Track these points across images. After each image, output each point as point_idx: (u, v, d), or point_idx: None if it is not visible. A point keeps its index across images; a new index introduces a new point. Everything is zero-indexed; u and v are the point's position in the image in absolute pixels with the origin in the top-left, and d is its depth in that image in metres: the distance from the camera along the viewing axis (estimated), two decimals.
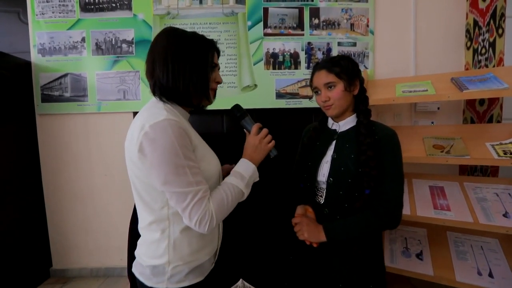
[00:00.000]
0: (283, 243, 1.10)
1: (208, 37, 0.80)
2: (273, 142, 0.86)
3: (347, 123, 0.96)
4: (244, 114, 0.90)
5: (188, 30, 0.78)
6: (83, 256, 2.16)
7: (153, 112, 0.70)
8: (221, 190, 0.74)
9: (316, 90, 0.96)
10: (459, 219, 1.40)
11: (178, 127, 0.67)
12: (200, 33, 0.79)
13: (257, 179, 0.83)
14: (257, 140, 0.83)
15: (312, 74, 0.98)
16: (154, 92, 0.76)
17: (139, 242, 0.81)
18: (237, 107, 0.91)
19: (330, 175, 0.93)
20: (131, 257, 1.30)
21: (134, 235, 1.41)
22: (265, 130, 0.86)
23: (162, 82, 0.73)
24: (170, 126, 0.66)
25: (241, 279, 1.40)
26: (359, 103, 0.96)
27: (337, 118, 0.98)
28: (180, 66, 0.72)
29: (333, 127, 0.99)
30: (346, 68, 0.91)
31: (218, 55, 0.83)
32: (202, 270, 0.79)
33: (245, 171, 0.79)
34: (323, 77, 0.92)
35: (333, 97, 0.91)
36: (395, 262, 1.55)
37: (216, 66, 0.81)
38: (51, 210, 2.13)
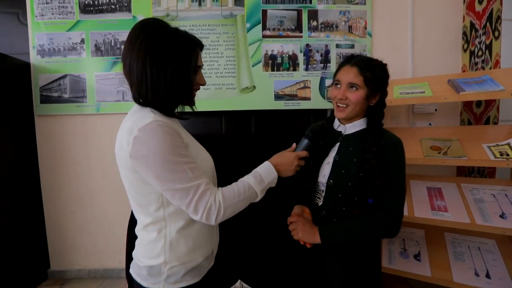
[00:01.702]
0: (281, 244, 1.10)
1: (192, 34, 0.75)
2: (293, 173, 0.86)
3: (353, 127, 0.93)
4: (313, 139, 0.90)
5: (187, 31, 0.75)
6: (81, 257, 2.16)
7: (140, 116, 0.68)
8: (235, 186, 0.74)
9: (337, 83, 0.91)
10: (456, 220, 1.40)
11: (167, 127, 0.67)
12: (199, 35, 0.77)
13: (273, 185, 0.82)
14: (295, 160, 0.84)
15: (342, 65, 0.92)
16: (134, 99, 0.73)
17: (136, 243, 0.81)
18: (318, 131, 0.93)
19: (330, 176, 0.91)
20: (129, 258, 1.30)
21: (132, 236, 1.41)
22: (302, 162, 0.87)
23: (141, 92, 0.70)
24: (159, 126, 0.65)
25: (239, 280, 1.40)
26: (374, 113, 0.91)
27: (345, 120, 0.94)
28: (159, 77, 0.69)
29: (339, 129, 0.96)
30: (377, 77, 0.87)
31: (202, 50, 0.78)
32: (199, 270, 0.79)
33: (266, 176, 0.78)
34: (351, 75, 0.87)
35: (351, 99, 0.87)
36: (393, 263, 1.55)
37: (200, 68, 0.77)
38: (49, 211, 2.13)
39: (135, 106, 0.75)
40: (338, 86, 0.90)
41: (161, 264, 0.73)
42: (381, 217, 0.84)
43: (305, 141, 0.90)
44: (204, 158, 0.80)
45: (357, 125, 0.93)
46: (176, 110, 0.79)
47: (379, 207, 0.85)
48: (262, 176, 0.78)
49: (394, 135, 0.91)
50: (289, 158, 0.84)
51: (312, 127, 0.94)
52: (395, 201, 0.85)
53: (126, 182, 0.75)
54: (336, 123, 0.98)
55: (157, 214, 0.73)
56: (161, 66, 0.69)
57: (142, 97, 0.71)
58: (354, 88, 0.87)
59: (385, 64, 0.92)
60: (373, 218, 0.85)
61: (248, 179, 0.76)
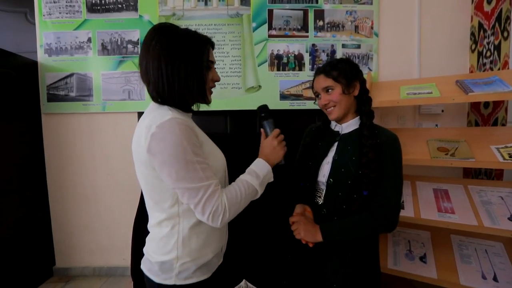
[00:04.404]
0: (282, 242, 1.11)
1: (202, 33, 0.78)
2: (286, 148, 0.87)
3: (349, 126, 0.98)
4: (269, 116, 0.91)
5: (197, 31, 0.77)
6: (86, 255, 2.17)
7: (158, 113, 0.71)
8: (235, 185, 0.76)
9: (317, 94, 1.01)
10: (463, 222, 1.39)
11: (185, 125, 0.68)
12: (205, 34, 0.79)
13: (272, 179, 0.84)
14: (276, 142, 0.85)
15: (313, 79, 1.01)
16: (152, 97, 0.76)
17: (147, 238, 0.82)
18: (265, 107, 0.93)
19: (330, 175, 0.94)
20: (135, 256, 1.30)
21: (138, 234, 1.42)
22: (282, 136, 0.88)
23: (158, 90, 0.73)
24: (177, 124, 0.67)
25: (244, 280, 1.40)
26: (362, 105, 0.97)
27: (340, 120, 0.99)
28: (174, 73, 0.71)
29: (336, 129, 1.01)
30: (344, 71, 0.93)
31: (213, 48, 0.81)
32: (209, 267, 0.80)
33: (260, 170, 0.81)
34: (322, 81, 0.95)
35: (332, 100, 0.94)
36: (398, 265, 1.54)
37: (212, 64, 0.80)
38: (55, 209, 2.15)
39: (153, 104, 0.77)
40: (319, 96, 0.98)
41: (173, 260, 0.75)
42: (379, 212, 0.88)
43: (267, 122, 0.91)
44: (217, 157, 0.81)
45: (353, 124, 0.98)
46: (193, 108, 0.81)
47: (377, 202, 0.88)
48: (256, 171, 0.80)
49: (390, 132, 0.95)
50: (269, 144, 0.86)
51: (259, 107, 0.94)
52: (392, 196, 0.89)
53: (142, 178, 0.76)
54: (333, 124, 1.04)
55: (171, 211, 0.75)
56: (175, 63, 0.71)
57: (159, 95, 0.74)
58: (330, 90, 0.94)
59: (347, 58, 1.03)
60: (372, 213, 0.88)
61: (244, 177, 0.79)
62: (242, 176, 0.79)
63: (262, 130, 0.91)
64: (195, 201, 0.68)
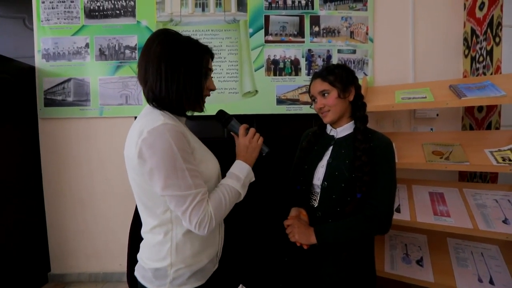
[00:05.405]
0: (278, 245, 1.11)
1: (203, 43, 0.79)
2: (261, 139, 0.87)
3: (344, 130, 1.00)
4: (230, 118, 0.91)
5: (191, 37, 0.78)
6: (81, 261, 2.15)
7: (151, 118, 0.70)
8: (218, 191, 0.75)
9: (313, 98, 1.02)
10: (459, 225, 1.39)
11: (176, 131, 0.68)
12: (203, 40, 0.79)
13: (253, 179, 0.84)
14: (247, 140, 0.85)
15: (310, 84, 1.03)
16: (148, 99, 0.76)
17: (141, 245, 0.81)
18: (221, 112, 0.92)
19: (324, 179, 0.96)
20: (131, 262, 1.29)
21: (134, 240, 1.41)
22: (252, 130, 0.87)
23: (155, 91, 0.72)
24: (168, 130, 0.67)
25: (241, 285, 1.39)
26: (356, 110, 0.99)
27: (335, 124, 1.01)
28: (173, 75, 0.72)
29: (331, 133, 1.03)
30: (340, 76, 0.96)
31: (212, 59, 0.82)
32: (204, 273, 0.79)
33: (240, 172, 0.81)
34: (318, 85, 0.98)
35: (327, 104, 0.96)
36: (395, 269, 1.54)
37: (210, 72, 0.81)
38: (51, 214, 2.13)
39: (146, 108, 0.77)
40: (316, 100, 1.01)
41: (167, 267, 0.74)
42: (372, 215, 0.89)
43: (231, 125, 0.90)
44: (210, 163, 0.80)
45: (347, 128, 1.00)
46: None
47: (370, 205, 0.89)
48: (237, 173, 0.80)
49: (384, 136, 0.96)
50: (241, 144, 0.85)
51: (216, 115, 0.92)
52: (385, 199, 0.90)
53: (134, 184, 0.75)
54: (328, 128, 1.06)
55: (164, 217, 0.74)
56: (175, 66, 0.72)
57: (155, 96, 0.73)
58: (326, 94, 0.97)
59: (343, 64, 1.05)
60: (364, 216, 0.89)
61: (226, 182, 0.79)
62: (223, 181, 0.79)
63: (234, 134, 0.91)
64: (182, 209, 0.68)
